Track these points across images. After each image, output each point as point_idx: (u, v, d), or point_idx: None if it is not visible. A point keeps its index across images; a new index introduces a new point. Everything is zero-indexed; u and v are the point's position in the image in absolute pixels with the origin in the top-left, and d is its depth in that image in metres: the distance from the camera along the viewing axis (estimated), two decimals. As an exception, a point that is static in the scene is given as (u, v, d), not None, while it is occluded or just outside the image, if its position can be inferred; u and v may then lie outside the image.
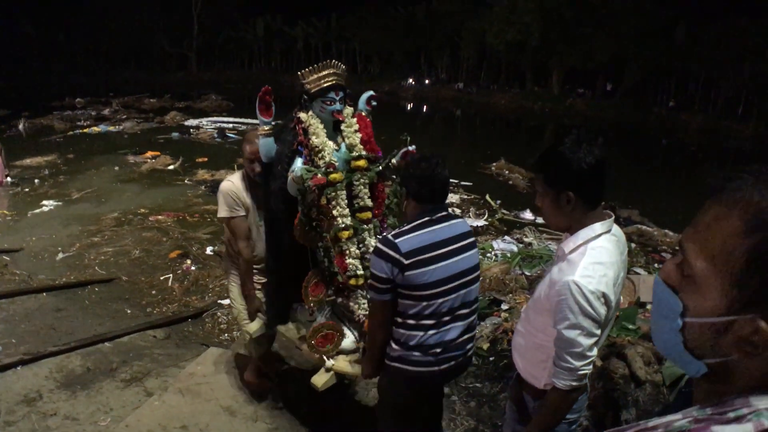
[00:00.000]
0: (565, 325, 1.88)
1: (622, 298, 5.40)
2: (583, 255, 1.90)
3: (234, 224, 3.37)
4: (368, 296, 2.84)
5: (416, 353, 2.45)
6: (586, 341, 1.88)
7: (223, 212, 3.36)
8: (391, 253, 2.31)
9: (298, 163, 2.81)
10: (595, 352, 1.93)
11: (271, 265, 3.27)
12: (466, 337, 2.57)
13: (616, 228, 2.01)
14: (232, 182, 3.36)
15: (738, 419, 0.71)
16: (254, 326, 3.41)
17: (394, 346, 2.50)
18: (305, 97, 2.86)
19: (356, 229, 2.94)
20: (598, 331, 1.89)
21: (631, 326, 4.55)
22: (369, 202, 3.01)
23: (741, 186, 0.77)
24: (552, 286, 1.95)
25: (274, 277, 3.26)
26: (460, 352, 2.55)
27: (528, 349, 2.19)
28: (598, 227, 1.94)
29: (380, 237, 2.64)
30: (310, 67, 2.85)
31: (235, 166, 13.16)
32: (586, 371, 1.94)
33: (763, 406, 0.72)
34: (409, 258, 2.29)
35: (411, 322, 2.42)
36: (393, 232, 2.41)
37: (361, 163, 2.93)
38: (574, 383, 1.94)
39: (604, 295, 1.85)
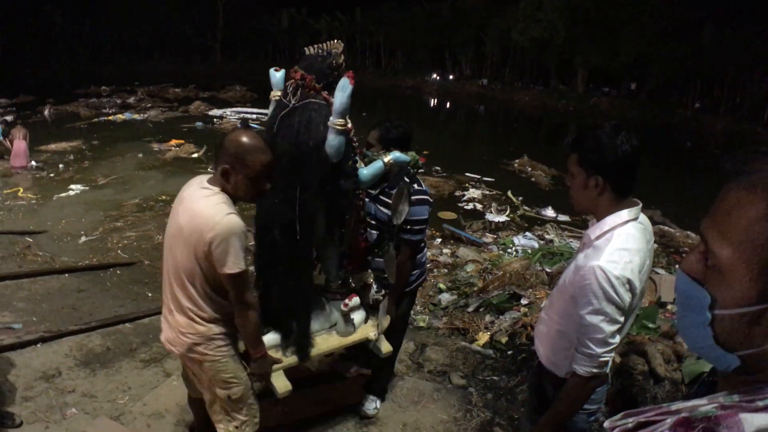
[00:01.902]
0: (588, 310, 1.86)
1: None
2: (609, 241, 1.87)
3: (248, 274, 2.35)
4: (403, 238, 3.07)
5: (420, 269, 3.35)
6: (609, 327, 1.85)
7: (240, 263, 2.22)
8: (428, 197, 3.08)
9: (396, 152, 2.79)
10: (617, 339, 1.90)
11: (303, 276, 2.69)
12: None
13: (642, 216, 1.98)
14: (235, 214, 2.23)
15: (767, 408, 0.69)
16: (281, 382, 2.67)
17: (413, 271, 3.23)
18: (336, 74, 2.58)
19: None
20: (622, 318, 1.86)
21: (651, 325, 4.50)
22: None
23: (761, 168, 0.74)
24: (577, 271, 1.92)
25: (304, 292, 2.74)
26: None
27: (550, 337, 2.17)
28: (625, 214, 1.91)
29: (413, 187, 3.01)
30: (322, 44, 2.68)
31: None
32: (608, 358, 1.91)
33: None
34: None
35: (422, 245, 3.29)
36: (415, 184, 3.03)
37: None
38: (594, 370, 1.91)
39: (629, 282, 1.82)
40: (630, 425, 0.83)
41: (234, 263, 2.18)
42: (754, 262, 0.73)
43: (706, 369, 3.17)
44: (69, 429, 3.20)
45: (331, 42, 2.65)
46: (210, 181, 2.28)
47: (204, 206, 2.19)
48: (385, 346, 3.01)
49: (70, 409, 3.41)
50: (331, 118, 2.44)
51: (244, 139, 2.22)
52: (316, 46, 2.68)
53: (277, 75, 2.72)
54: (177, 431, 3.21)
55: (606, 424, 0.89)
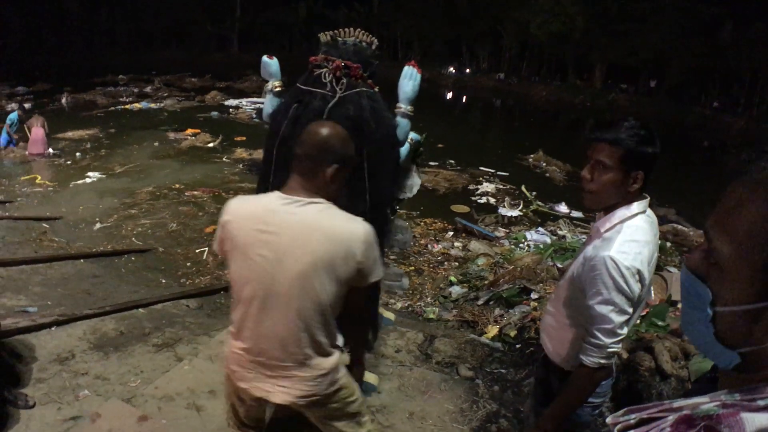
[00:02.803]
0: (597, 300, 1.86)
1: (654, 295, 5.38)
2: (618, 233, 1.88)
3: None
4: None
5: None
6: (618, 318, 1.86)
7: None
8: None
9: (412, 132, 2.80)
10: (625, 330, 1.90)
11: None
12: None
13: (649, 210, 1.99)
14: None
15: None
16: (371, 376, 2.74)
17: None
18: (377, 62, 2.61)
19: None
20: (630, 309, 1.86)
21: (660, 323, 4.50)
22: None
23: (764, 167, 0.74)
24: (586, 262, 1.92)
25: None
26: None
27: (557, 329, 2.18)
28: (635, 207, 1.92)
29: None
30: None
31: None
32: (616, 349, 1.91)
33: None
34: None
35: None
36: None
37: None
38: (602, 361, 1.92)
39: (638, 272, 1.82)
40: (632, 421, 0.84)
41: (379, 268, 1.99)
42: (755, 260, 0.74)
43: (713, 366, 3.16)
44: (81, 410, 3.26)
45: (348, 30, 2.64)
46: (301, 194, 1.88)
47: (339, 222, 1.88)
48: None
49: (82, 390, 3.47)
50: (402, 105, 2.59)
51: (341, 130, 1.94)
52: (332, 33, 2.66)
53: (273, 64, 2.69)
54: (187, 414, 3.26)
55: (608, 419, 0.89)
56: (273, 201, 1.87)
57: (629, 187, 1.90)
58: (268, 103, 2.68)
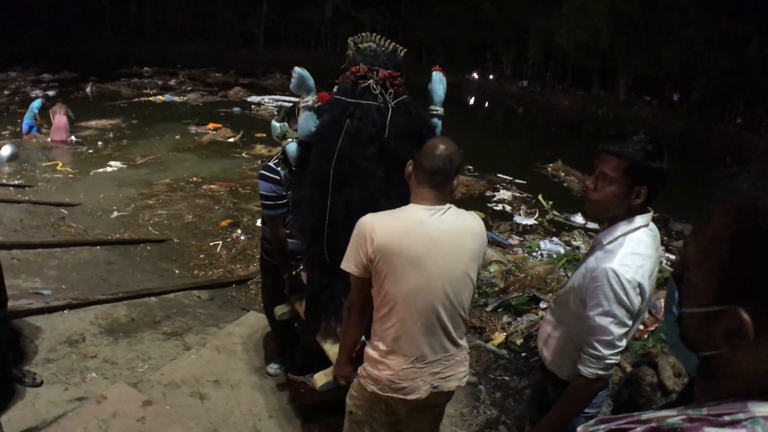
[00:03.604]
0: (597, 311, 1.88)
1: (664, 309, 5.33)
2: (621, 245, 1.89)
3: None
4: None
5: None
6: (617, 330, 1.87)
7: None
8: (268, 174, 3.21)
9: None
10: (624, 343, 1.91)
11: None
12: None
13: (652, 223, 1.99)
14: None
15: (733, 423, 0.70)
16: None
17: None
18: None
19: None
20: (630, 322, 1.88)
21: (669, 337, 4.47)
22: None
23: (736, 180, 0.75)
24: (587, 273, 1.93)
25: None
26: None
27: (555, 339, 2.19)
28: (638, 220, 1.93)
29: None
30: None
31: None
32: (614, 361, 1.92)
33: (759, 413, 0.70)
34: None
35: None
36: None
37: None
38: (600, 372, 1.93)
39: (639, 286, 1.84)
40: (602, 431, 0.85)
41: None
42: (713, 265, 0.76)
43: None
44: (87, 392, 3.32)
45: (371, 34, 2.63)
46: (435, 204, 2.08)
47: (472, 220, 2.18)
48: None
49: (90, 373, 3.54)
50: (437, 107, 2.67)
51: (453, 144, 2.12)
52: (361, 36, 2.61)
53: (311, 78, 2.56)
54: (191, 402, 3.31)
55: (579, 429, 0.90)
56: (416, 214, 2.05)
57: (632, 200, 1.90)
58: (308, 121, 2.50)
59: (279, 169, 3.13)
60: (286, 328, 3.69)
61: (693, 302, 0.80)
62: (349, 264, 2.08)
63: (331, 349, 2.84)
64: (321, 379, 2.76)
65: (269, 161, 3.24)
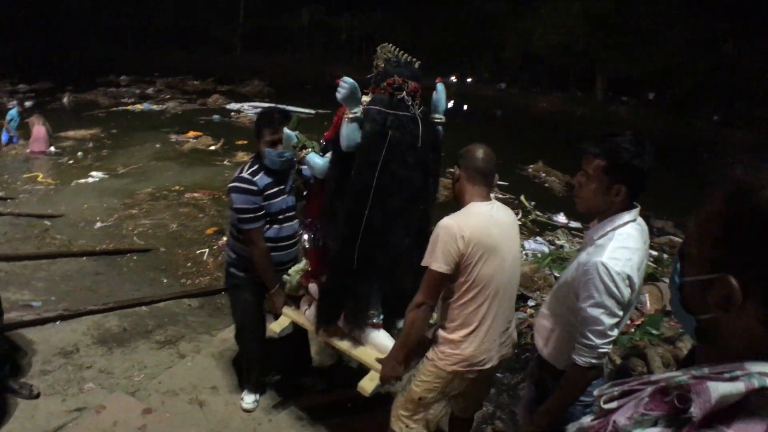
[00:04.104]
0: (589, 303, 1.97)
1: (649, 304, 5.45)
2: (610, 240, 1.99)
3: None
4: None
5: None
6: (609, 320, 1.96)
7: None
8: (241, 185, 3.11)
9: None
10: (615, 332, 2.01)
11: None
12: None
13: (639, 218, 2.09)
14: None
15: (732, 379, 0.79)
16: None
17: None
18: None
19: None
20: (620, 312, 1.97)
21: (655, 331, 4.58)
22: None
23: (731, 167, 0.88)
24: (579, 267, 2.03)
25: None
26: None
27: (551, 331, 2.28)
28: (625, 216, 2.03)
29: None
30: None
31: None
32: (606, 350, 2.02)
33: (755, 369, 0.79)
34: None
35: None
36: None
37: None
38: (593, 360, 2.02)
39: (629, 278, 1.93)
40: (616, 393, 0.96)
41: None
42: (708, 239, 0.89)
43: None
44: (86, 402, 3.33)
45: (389, 45, 2.72)
46: (489, 198, 2.52)
47: (511, 212, 2.66)
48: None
49: (87, 383, 3.55)
50: (440, 116, 2.79)
51: None
52: (383, 47, 2.70)
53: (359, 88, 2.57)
54: (190, 409, 3.33)
55: (595, 392, 1.01)
56: (484, 210, 2.45)
57: (613, 197, 2.02)
58: (355, 132, 2.52)
59: (256, 179, 3.04)
60: (299, 339, 3.55)
61: (692, 272, 0.92)
62: (440, 264, 2.33)
63: (360, 352, 2.89)
64: (369, 385, 2.77)
65: (240, 173, 3.10)
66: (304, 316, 3.12)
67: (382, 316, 2.94)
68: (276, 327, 3.22)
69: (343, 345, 2.94)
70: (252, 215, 3.03)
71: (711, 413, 0.78)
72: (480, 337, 2.45)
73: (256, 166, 3.09)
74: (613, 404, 0.95)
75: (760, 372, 0.79)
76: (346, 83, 2.47)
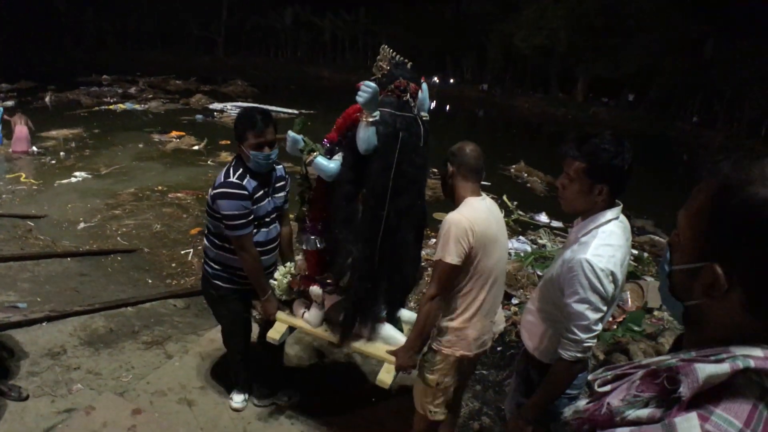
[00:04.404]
0: (574, 299, 2.04)
1: (631, 302, 5.55)
2: (594, 237, 2.06)
3: None
4: None
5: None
6: (593, 315, 2.03)
7: None
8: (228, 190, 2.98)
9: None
10: (600, 327, 2.08)
11: None
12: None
13: (622, 216, 2.17)
14: None
15: (718, 361, 0.86)
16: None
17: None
18: None
19: None
20: (605, 307, 2.04)
21: (636, 328, 4.68)
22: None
23: (720, 164, 0.94)
24: (564, 264, 2.10)
25: None
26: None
27: (537, 326, 2.35)
28: (608, 214, 2.11)
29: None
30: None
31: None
32: (591, 344, 2.09)
33: (740, 352, 0.86)
34: None
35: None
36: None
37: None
38: (578, 354, 2.10)
39: (612, 274, 2.01)
40: (609, 377, 1.05)
41: None
42: (696, 230, 0.95)
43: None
44: (75, 403, 3.33)
45: (386, 47, 2.77)
46: (480, 193, 2.65)
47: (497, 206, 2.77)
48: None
49: (75, 384, 3.55)
50: (425, 114, 2.78)
51: None
52: (384, 49, 2.77)
53: None
54: (179, 409, 3.34)
55: (589, 377, 1.09)
56: (481, 204, 2.56)
57: (595, 197, 2.09)
58: (373, 136, 2.55)
59: (244, 183, 2.90)
60: (274, 351, 3.50)
61: (680, 260, 0.99)
62: (453, 257, 2.42)
63: (371, 348, 2.94)
64: (388, 378, 2.81)
65: (225, 177, 2.90)
66: (303, 319, 3.08)
67: (385, 311, 3.01)
68: (275, 334, 3.11)
69: (356, 345, 2.96)
70: (244, 221, 2.89)
71: (699, 393, 0.84)
72: (480, 320, 2.60)
73: (240, 170, 2.92)
74: (607, 387, 1.02)
75: (744, 354, 0.85)
76: (368, 87, 2.48)
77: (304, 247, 3.06)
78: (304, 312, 3.09)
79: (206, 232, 3.13)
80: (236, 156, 3.02)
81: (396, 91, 2.60)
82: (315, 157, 2.77)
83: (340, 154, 2.78)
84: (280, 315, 3.13)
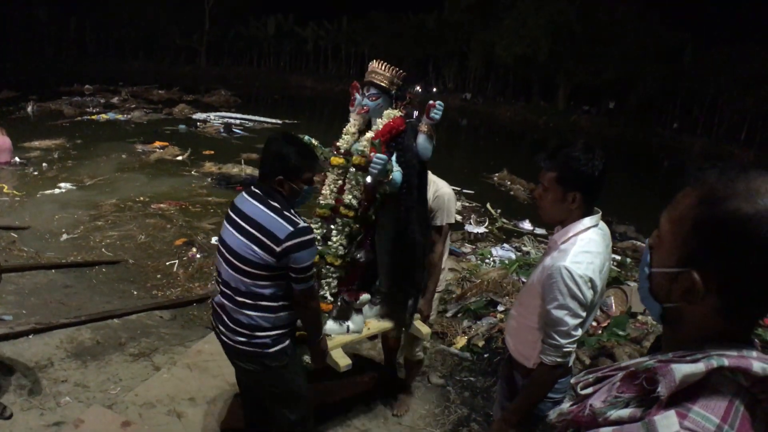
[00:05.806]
0: (554, 305, 2.11)
1: (614, 306, 5.63)
2: (573, 244, 2.12)
3: None
4: None
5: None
6: (572, 321, 2.10)
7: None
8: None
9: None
10: (579, 332, 2.16)
11: None
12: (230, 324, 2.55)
13: (602, 223, 2.24)
14: None
15: (693, 361, 0.91)
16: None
17: None
18: None
19: (326, 216, 2.99)
20: (584, 313, 2.11)
21: (621, 332, 4.74)
22: (353, 202, 2.84)
23: (706, 172, 0.97)
24: (544, 271, 2.17)
25: None
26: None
27: (520, 331, 2.41)
28: (587, 221, 2.17)
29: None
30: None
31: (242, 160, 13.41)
32: (571, 349, 2.16)
33: (714, 352, 0.91)
34: None
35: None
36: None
37: (356, 160, 2.80)
38: (559, 359, 2.17)
39: (591, 280, 2.07)
40: (591, 379, 1.10)
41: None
42: (678, 236, 0.98)
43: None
44: (63, 416, 3.32)
45: (377, 60, 3.06)
46: None
47: None
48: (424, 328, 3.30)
49: (63, 397, 3.54)
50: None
51: None
52: (377, 62, 3.04)
53: None
54: (168, 420, 3.35)
55: (572, 380, 1.15)
56: None
57: (570, 205, 2.16)
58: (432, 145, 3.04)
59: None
60: None
61: (660, 263, 1.03)
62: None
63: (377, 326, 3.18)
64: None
65: (290, 224, 2.32)
66: (350, 332, 3.04)
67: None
68: (345, 361, 2.91)
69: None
70: (314, 269, 2.49)
71: (677, 392, 0.88)
72: None
73: (292, 209, 2.44)
74: (589, 390, 1.08)
75: (719, 353, 0.90)
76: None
77: (362, 260, 2.97)
78: (348, 325, 3.01)
79: (252, 301, 2.45)
80: (270, 191, 2.44)
81: (414, 102, 3.05)
82: (394, 173, 2.76)
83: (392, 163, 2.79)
84: (330, 343, 2.91)
